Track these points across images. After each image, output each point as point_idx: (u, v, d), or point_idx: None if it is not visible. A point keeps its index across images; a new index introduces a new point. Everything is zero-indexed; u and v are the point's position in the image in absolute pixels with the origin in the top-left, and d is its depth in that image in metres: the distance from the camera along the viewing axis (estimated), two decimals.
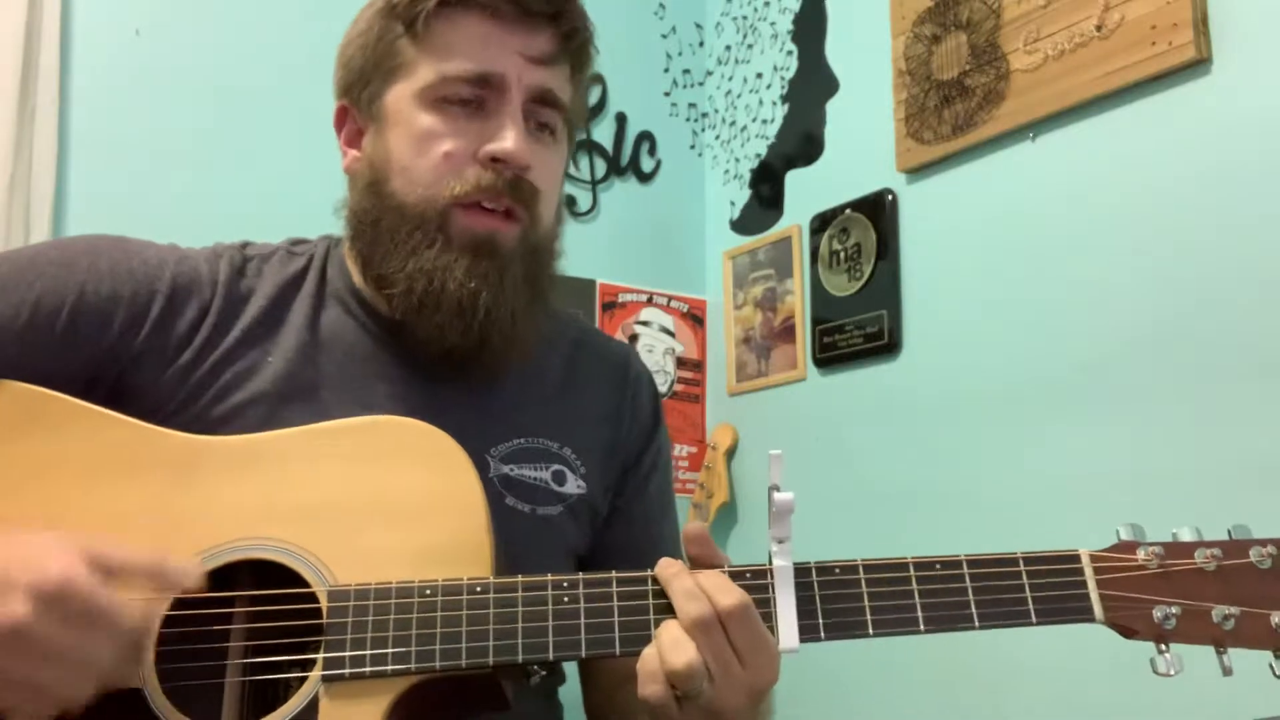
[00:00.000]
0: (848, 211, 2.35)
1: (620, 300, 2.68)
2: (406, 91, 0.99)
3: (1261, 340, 1.63)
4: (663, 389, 2.68)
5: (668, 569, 0.83)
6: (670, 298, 2.75)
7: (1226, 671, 0.81)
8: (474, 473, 0.89)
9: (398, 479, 0.88)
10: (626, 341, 1.08)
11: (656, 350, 2.70)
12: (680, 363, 2.73)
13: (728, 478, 2.56)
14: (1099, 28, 1.87)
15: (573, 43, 1.03)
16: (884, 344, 2.23)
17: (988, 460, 2.00)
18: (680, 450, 2.68)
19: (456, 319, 0.96)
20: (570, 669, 1.12)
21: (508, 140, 0.97)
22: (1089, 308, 1.87)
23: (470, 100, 0.98)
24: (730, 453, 2.59)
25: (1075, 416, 1.87)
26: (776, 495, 0.83)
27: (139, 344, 0.96)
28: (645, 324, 2.71)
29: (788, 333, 2.50)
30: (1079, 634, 1.83)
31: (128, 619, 0.76)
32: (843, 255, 2.35)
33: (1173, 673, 0.81)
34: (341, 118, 1.07)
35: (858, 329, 2.29)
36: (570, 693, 1.12)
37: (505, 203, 0.98)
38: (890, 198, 2.26)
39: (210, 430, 0.92)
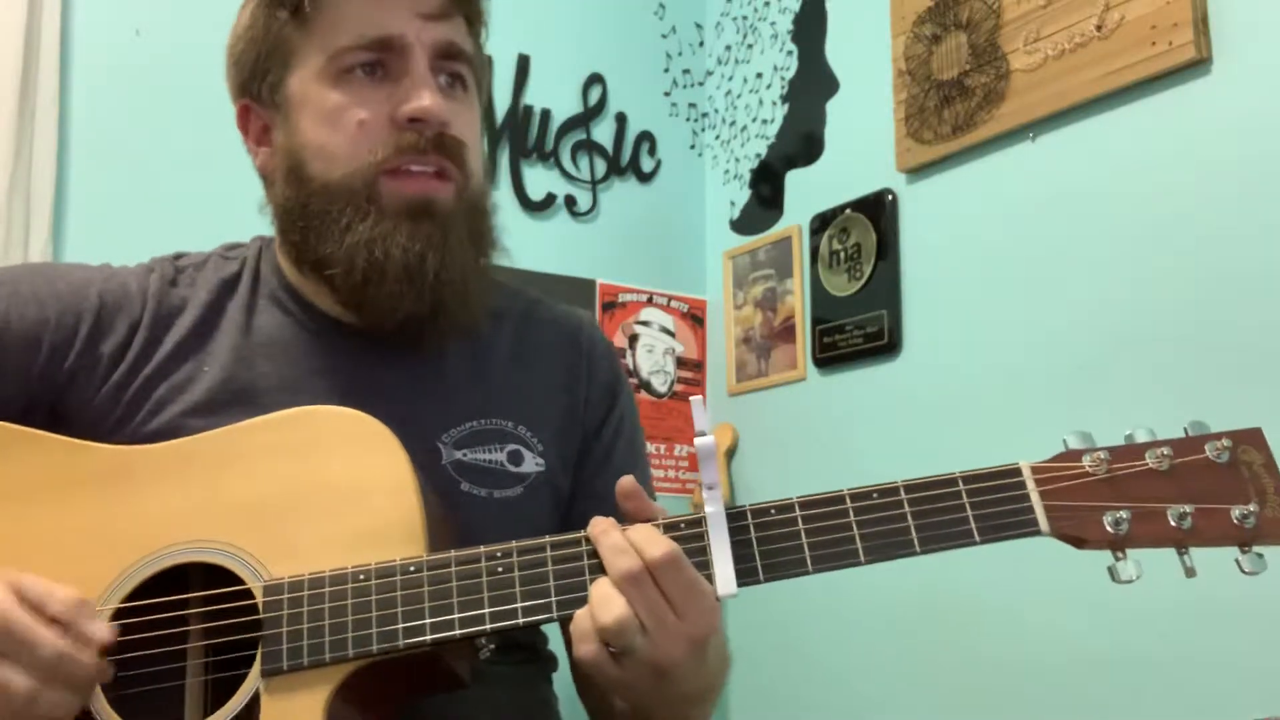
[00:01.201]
0: (848, 211, 2.35)
1: (620, 300, 2.68)
2: (307, 74, 0.97)
3: (1262, 340, 1.63)
4: (663, 389, 2.68)
5: (596, 527, 0.82)
6: (670, 298, 2.75)
7: (1189, 573, 0.78)
8: (402, 452, 0.87)
9: (326, 467, 0.87)
10: (586, 312, 1.04)
11: (656, 350, 2.70)
12: (680, 363, 2.73)
13: (727, 478, 2.56)
14: (1099, 28, 1.87)
15: None
16: (884, 344, 2.23)
17: (987, 460, 1.99)
18: (680, 450, 2.68)
19: (406, 285, 0.94)
20: (560, 652, 1.10)
21: (423, 98, 0.94)
22: (1089, 307, 1.87)
23: (373, 66, 0.96)
24: (730, 453, 2.59)
25: (1075, 416, 1.86)
26: (699, 440, 0.81)
27: (69, 365, 0.95)
28: (645, 324, 2.71)
29: (788, 333, 2.50)
30: (1081, 633, 1.83)
31: (46, 647, 0.75)
32: (843, 255, 2.35)
33: (1135, 578, 0.77)
34: (244, 118, 1.05)
35: (858, 329, 2.29)
36: (565, 680, 1.11)
37: (434, 161, 0.96)
38: (890, 198, 2.26)
39: (144, 444, 0.91)
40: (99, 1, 2.16)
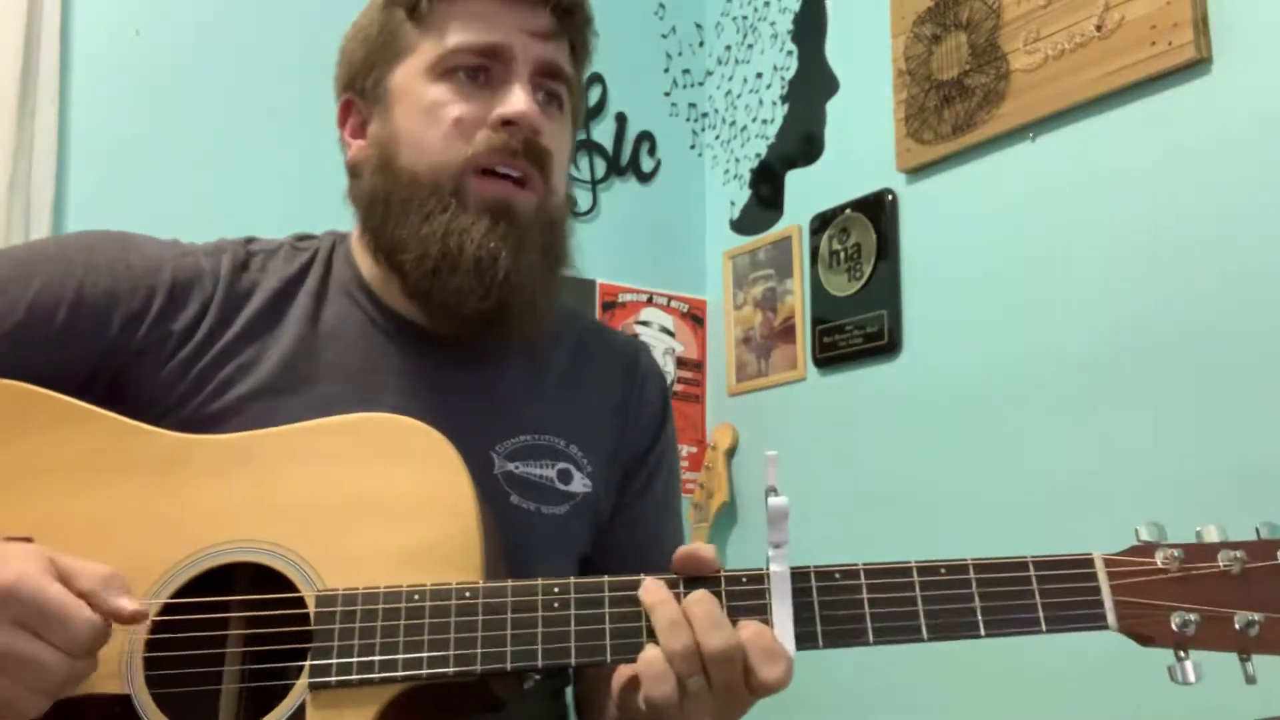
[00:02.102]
0: (848, 211, 2.35)
1: (620, 300, 2.68)
2: (412, 68, 0.99)
3: (1262, 339, 1.63)
4: (663, 374, 2.68)
5: (651, 594, 0.80)
6: (670, 298, 2.75)
7: (1250, 680, 0.78)
8: (465, 472, 0.87)
9: (387, 478, 0.86)
10: (641, 342, 1.07)
11: (656, 350, 2.70)
12: (680, 363, 2.73)
13: (728, 478, 2.56)
14: (1099, 28, 1.87)
15: (572, 20, 1.03)
16: (884, 344, 2.23)
17: (987, 460, 2.00)
18: (680, 450, 2.68)
19: (475, 281, 0.94)
20: None
21: (519, 103, 0.96)
22: (1089, 307, 1.87)
23: (477, 71, 0.98)
24: (730, 453, 2.59)
25: (1075, 416, 1.87)
26: (773, 500, 0.80)
27: (138, 340, 0.95)
28: (645, 324, 2.71)
29: (788, 333, 2.50)
30: (1080, 633, 1.82)
31: (81, 621, 0.74)
32: (843, 255, 2.35)
33: (1193, 681, 0.78)
34: (345, 113, 1.05)
35: (858, 329, 2.29)
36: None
37: (521, 166, 0.97)
38: (890, 198, 2.26)
39: (208, 425, 0.92)
40: (99, 1, 2.16)
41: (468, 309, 0.96)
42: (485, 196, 0.96)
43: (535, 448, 1.02)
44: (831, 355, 2.35)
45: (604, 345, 1.14)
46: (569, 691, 1.11)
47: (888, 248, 2.25)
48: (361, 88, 1.03)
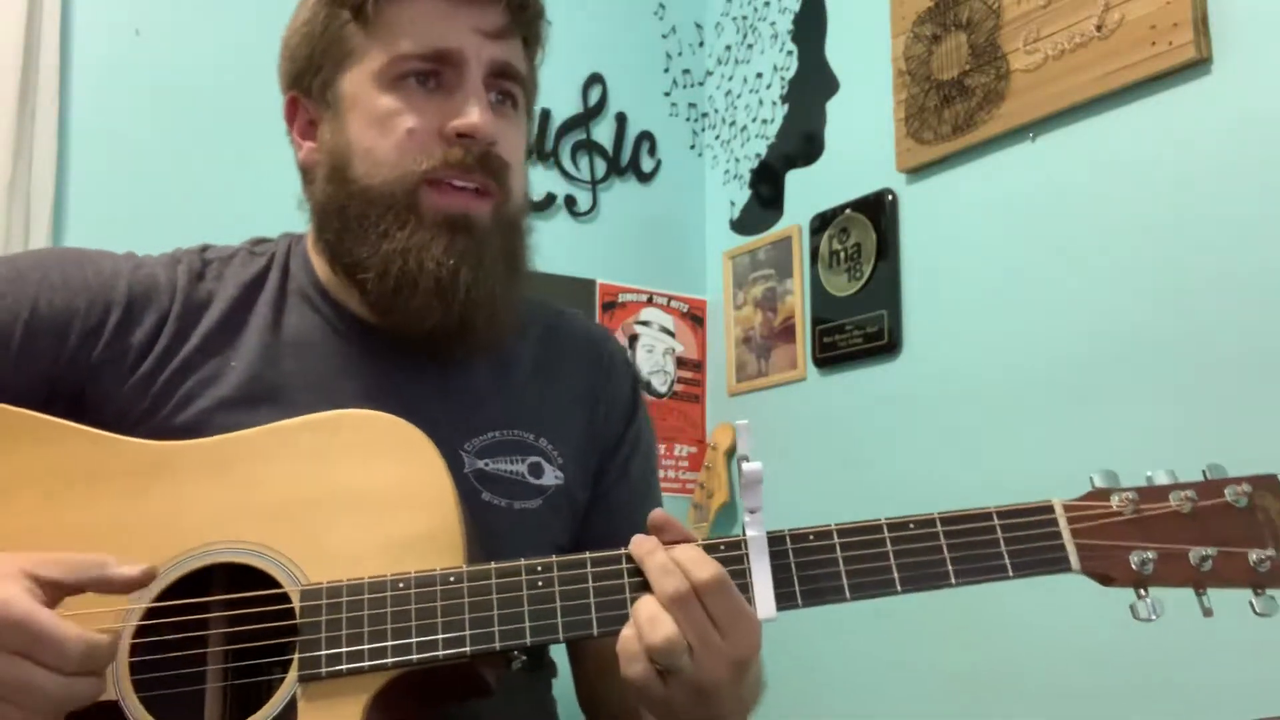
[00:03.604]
0: (848, 211, 2.35)
1: (620, 300, 2.68)
2: (361, 75, 0.97)
3: (1261, 339, 1.63)
4: (663, 389, 2.68)
5: (642, 546, 0.82)
6: (670, 298, 2.75)
7: (1206, 613, 0.81)
8: (442, 462, 0.87)
9: (365, 473, 0.87)
10: (606, 328, 1.06)
11: (656, 350, 2.70)
12: (680, 363, 2.73)
13: (728, 478, 2.56)
14: (1099, 28, 1.87)
15: (524, 14, 1.01)
16: (884, 344, 2.23)
17: (987, 460, 2.00)
18: (680, 450, 2.68)
19: (436, 299, 0.94)
20: (562, 662, 1.11)
21: (473, 114, 0.95)
22: (1089, 307, 1.87)
23: (428, 76, 0.96)
24: (730, 453, 2.58)
25: (1074, 416, 1.87)
26: (745, 465, 0.82)
27: (97, 355, 0.95)
28: (645, 324, 2.71)
29: (788, 333, 2.50)
30: (1079, 633, 1.83)
31: (72, 641, 0.74)
32: (843, 255, 2.35)
33: (1154, 617, 0.81)
34: (292, 110, 1.04)
35: (858, 329, 2.29)
36: (563, 687, 1.11)
37: (477, 179, 0.96)
38: (890, 198, 2.26)
39: (176, 438, 0.91)
40: (99, 1, 2.17)
41: (430, 326, 0.96)
42: (442, 210, 0.95)
43: (504, 443, 1.02)
44: (831, 355, 2.35)
45: (569, 335, 1.13)
46: (559, 687, 1.11)
47: (888, 248, 2.25)
48: (308, 87, 1.01)
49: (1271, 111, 1.65)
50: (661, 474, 2.59)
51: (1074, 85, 1.90)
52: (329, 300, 1.02)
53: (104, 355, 0.95)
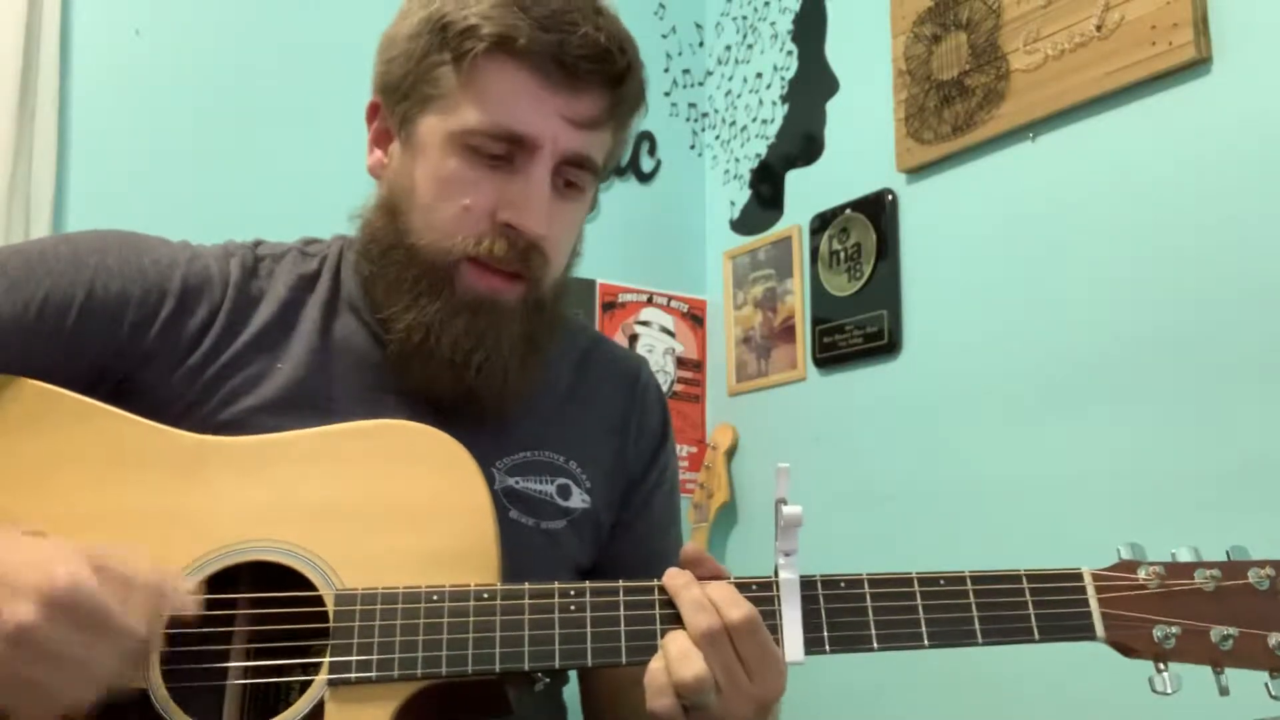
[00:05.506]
0: (848, 211, 2.35)
1: (620, 300, 2.68)
2: (440, 127, 0.96)
3: (1261, 339, 1.63)
4: (663, 389, 2.68)
5: (676, 579, 0.83)
6: (670, 298, 2.75)
7: (1223, 691, 0.83)
8: (481, 478, 0.89)
9: (406, 483, 0.88)
10: (642, 356, 1.07)
11: (656, 350, 2.70)
12: (680, 363, 2.73)
13: (728, 478, 2.56)
14: (1099, 28, 1.87)
15: (620, 109, 1.00)
16: (884, 344, 2.23)
17: (987, 460, 2.00)
18: (680, 450, 2.68)
19: (448, 372, 0.96)
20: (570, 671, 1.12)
21: (527, 211, 0.95)
22: (1089, 308, 1.87)
23: (500, 155, 0.95)
24: (730, 453, 2.59)
25: (1075, 416, 1.87)
26: (785, 509, 0.83)
27: (148, 344, 0.95)
28: (645, 324, 2.71)
29: (788, 333, 2.50)
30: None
31: (135, 628, 0.76)
32: (843, 255, 2.35)
33: (1170, 691, 0.82)
34: (373, 113, 1.04)
35: (858, 329, 2.29)
36: (572, 692, 1.12)
37: (514, 266, 0.97)
38: (890, 198, 2.26)
39: (217, 434, 0.92)
40: (99, 1, 2.16)
41: (438, 392, 0.98)
42: (473, 289, 0.96)
43: (535, 463, 1.03)
44: (831, 355, 2.36)
45: (606, 361, 1.14)
46: (567, 694, 1.11)
47: (888, 248, 2.25)
48: (393, 106, 1.01)
49: (1271, 111, 1.65)
50: None
51: (1074, 85, 1.90)
52: (375, 314, 1.03)
53: (154, 345, 0.96)
